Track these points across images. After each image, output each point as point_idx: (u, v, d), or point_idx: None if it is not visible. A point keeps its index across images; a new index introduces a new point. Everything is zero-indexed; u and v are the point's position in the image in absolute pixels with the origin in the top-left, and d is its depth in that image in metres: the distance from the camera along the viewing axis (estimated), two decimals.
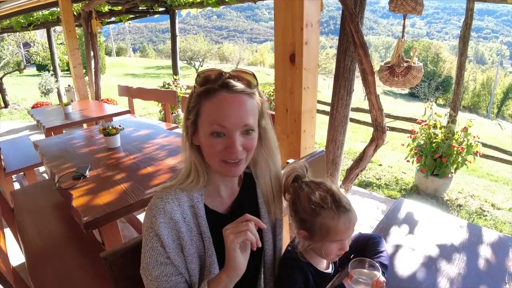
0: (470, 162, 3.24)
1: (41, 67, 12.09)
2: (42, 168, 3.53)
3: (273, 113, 1.66)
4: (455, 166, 3.23)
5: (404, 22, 2.11)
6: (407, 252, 1.04)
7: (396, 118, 4.80)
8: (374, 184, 3.60)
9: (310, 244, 0.83)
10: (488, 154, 4.00)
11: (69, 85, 6.94)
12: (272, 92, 5.24)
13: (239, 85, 0.72)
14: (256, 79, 0.75)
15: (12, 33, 7.98)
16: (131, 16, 5.93)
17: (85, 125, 4.03)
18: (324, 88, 16.91)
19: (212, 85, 0.71)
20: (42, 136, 3.91)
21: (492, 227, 2.87)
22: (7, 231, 1.92)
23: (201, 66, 21.61)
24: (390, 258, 0.97)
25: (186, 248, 0.74)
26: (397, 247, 1.06)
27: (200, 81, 0.73)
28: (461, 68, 3.38)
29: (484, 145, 3.70)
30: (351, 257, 0.93)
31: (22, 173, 2.78)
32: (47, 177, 3.36)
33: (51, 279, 1.37)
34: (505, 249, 1.04)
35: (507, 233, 2.64)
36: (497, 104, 26.67)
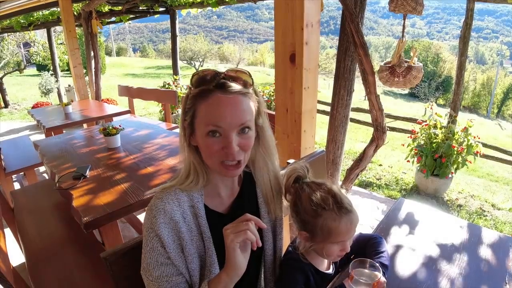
0: (470, 162, 3.24)
1: (41, 67, 12.09)
2: (42, 168, 3.53)
3: (273, 113, 1.66)
4: (455, 166, 3.23)
5: (404, 22, 2.10)
6: (408, 252, 1.04)
7: (397, 118, 4.80)
8: (374, 184, 3.59)
9: (311, 245, 0.82)
10: (488, 154, 4.01)
11: (69, 85, 6.95)
12: (272, 92, 5.25)
13: (234, 85, 0.71)
14: (252, 78, 0.75)
15: (12, 33, 7.98)
16: (131, 16, 5.93)
17: (85, 125, 4.03)
18: (324, 88, 16.92)
19: (207, 86, 0.71)
20: (42, 136, 3.91)
21: (492, 227, 2.87)
22: (7, 231, 1.92)
23: (201, 66, 21.61)
24: (390, 258, 0.97)
25: (186, 248, 0.74)
26: (398, 247, 1.06)
27: (195, 82, 0.73)
28: (461, 68, 3.38)
29: (484, 145, 3.70)
30: (352, 257, 0.93)
31: (22, 173, 2.78)
32: (47, 177, 3.36)
33: (51, 279, 1.37)
34: (505, 249, 1.04)
35: (507, 233, 2.64)
36: (497, 104, 26.67)
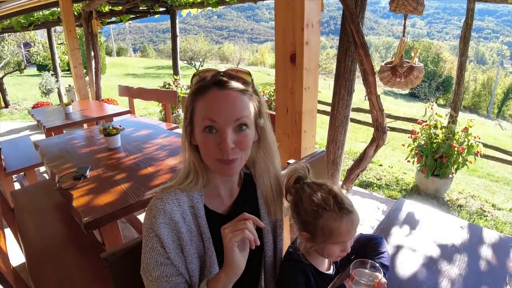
0: (471, 163, 3.24)
1: (41, 67, 12.09)
2: (42, 168, 3.53)
3: (274, 113, 1.65)
4: (455, 166, 3.23)
5: (404, 22, 2.10)
6: (408, 253, 1.04)
7: (397, 118, 4.80)
8: (375, 185, 3.59)
9: (312, 245, 0.82)
10: (489, 155, 4.00)
11: (69, 85, 6.95)
12: (272, 92, 5.25)
13: (232, 82, 0.71)
14: (251, 77, 0.75)
15: (12, 33, 7.98)
16: (132, 16, 5.93)
17: (85, 125, 4.03)
18: (325, 88, 16.92)
19: (205, 83, 0.72)
20: (42, 136, 3.91)
21: (492, 228, 2.87)
22: (7, 231, 1.92)
23: (202, 66, 21.64)
24: (391, 258, 0.97)
25: (186, 249, 0.74)
26: (398, 248, 1.06)
27: (195, 81, 0.74)
28: (461, 68, 3.38)
29: (485, 145, 3.70)
30: (352, 258, 0.93)
31: (23, 173, 2.78)
32: (47, 177, 3.36)
33: (51, 279, 1.37)
34: (506, 250, 1.04)
35: (508, 234, 2.64)
36: (498, 104, 26.66)
